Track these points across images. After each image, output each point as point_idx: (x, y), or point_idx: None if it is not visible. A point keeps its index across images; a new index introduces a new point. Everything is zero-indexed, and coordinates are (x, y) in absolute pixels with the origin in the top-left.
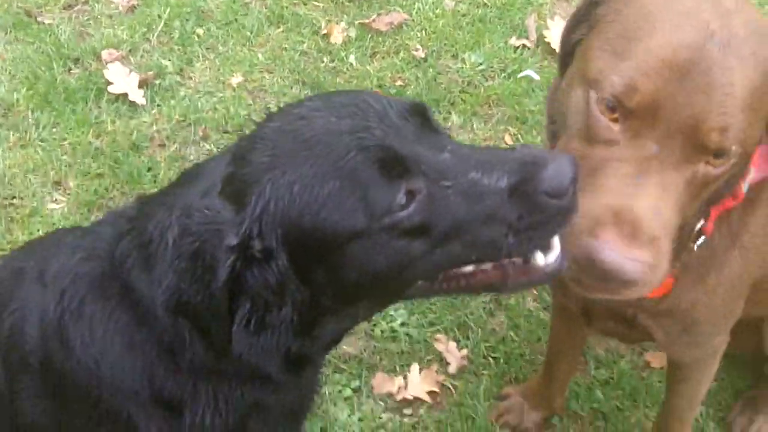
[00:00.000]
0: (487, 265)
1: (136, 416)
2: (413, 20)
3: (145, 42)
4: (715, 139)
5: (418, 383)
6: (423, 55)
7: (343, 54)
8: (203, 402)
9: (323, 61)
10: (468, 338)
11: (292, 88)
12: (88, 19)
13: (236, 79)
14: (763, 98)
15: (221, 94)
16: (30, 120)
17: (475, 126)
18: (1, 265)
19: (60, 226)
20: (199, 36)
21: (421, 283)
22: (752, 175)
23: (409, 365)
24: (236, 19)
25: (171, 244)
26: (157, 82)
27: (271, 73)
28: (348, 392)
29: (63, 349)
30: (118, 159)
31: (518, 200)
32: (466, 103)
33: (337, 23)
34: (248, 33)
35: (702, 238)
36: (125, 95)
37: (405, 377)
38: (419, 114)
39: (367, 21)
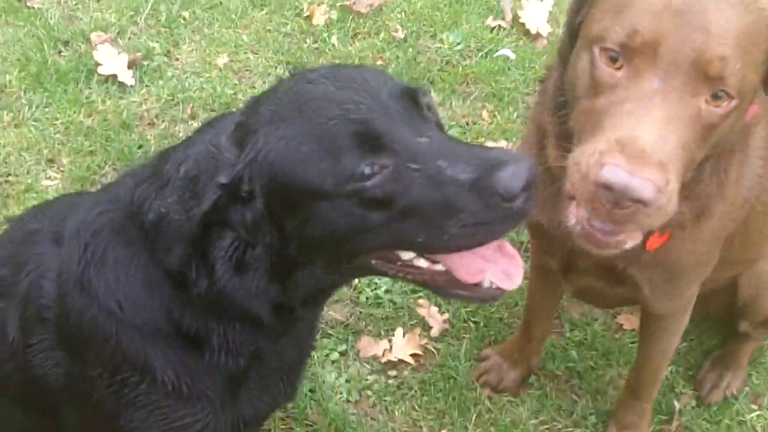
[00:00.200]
0: (440, 268)
1: (154, 359)
2: (393, 2)
3: (132, 25)
4: (717, 67)
5: (402, 346)
6: (403, 36)
7: (325, 35)
8: (218, 340)
9: (306, 42)
10: (449, 303)
11: (276, 68)
12: (76, 3)
13: (222, 60)
14: (754, 44)
15: (207, 75)
16: (23, 100)
17: (453, 103)
18: (13, 227)
19: None
20: (185, 19)
21: (376, 263)
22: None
23: (393, 329)
24: (221, 2)
25: (181, 173)
26: (146, 63)
27: (256, 54)
28: (335, 356)
29: (85, 299)
30: (109, 137)
31: (474, 196)
32: (445, 81)
33: (318, 5)
34: (233, 15)
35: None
36: (115, 76)
37: (390, 341)
38: (411, 98)
39: (348, 3)
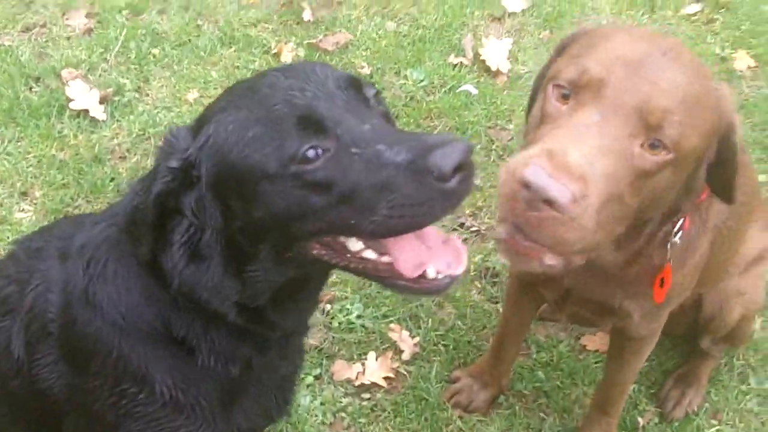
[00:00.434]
0: (387, 259)
1: (154, 369)
2: (358, 40)
3: (102, 62)
4: (658, 117)
5: (374, 369)
6: (368, 72)
7: None
8: (207, 344)
9: None
10: (420, 328)
11: None
12: (46, 41)
13: (192, 95)
14: (699, 109)
15: (178, 109)
16: None
17: None
18: (16, 248)
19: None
20: (154, 56)
21: (319, 252)
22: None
23: (366, 353)
24: (190, 40)
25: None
26: (117, 98)
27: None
28: (310, 379)
29: (89, 312)
30: (81, 170)
31: (408, 176)
32: (410, 116)
33: (286, 43)
34: (202, 53)
35: (680, 233)
36: (86, 111)
37: (362, 364)
38: (355, 87)
39: (314, 41)
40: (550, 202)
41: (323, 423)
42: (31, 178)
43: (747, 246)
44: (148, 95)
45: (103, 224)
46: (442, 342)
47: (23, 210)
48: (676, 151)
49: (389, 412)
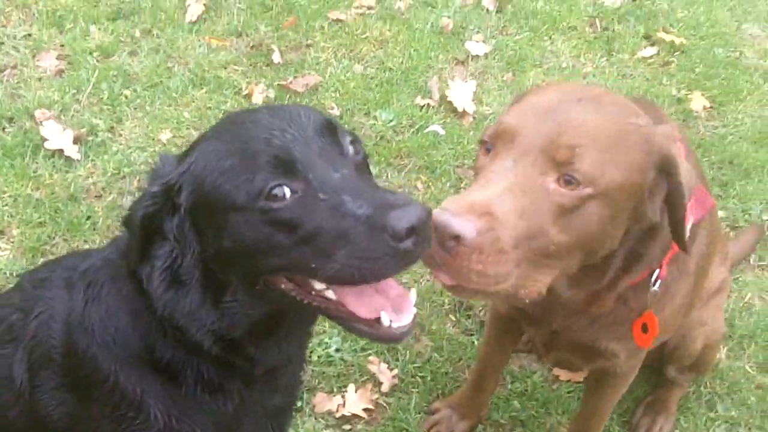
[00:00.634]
0: (344, 306)
1: (147, 394)
2: (327, 82)
3: (75, 102)
4: (564, 153)
5: (354, 401)
6: (338, 113)
7: None
8: (193, 373)
9: None
10: (398, 360)
11: None
12: (18, 82)
13: (165, 136)
14: (618, 145)
15: (152, 149)
16: None
17: (389, 175)
18: (21, 280)
19: (6, 272)
20: (126, 97)
21: (286, 287)
22: (692, 220)
23: (345, 386)
24: (161, 81)
25: None
26: (90, 138)
27: (198, 129)
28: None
29: (86, 335)
30: (58, 209)
31: (366, 230)
32: (380, 155)
33: (257, 84)
34: (173, 94)
35: (659, 282)
36: (61, 151)
37: (343, 396)
38: (333, 134)
39: (284, 83)
40: (457, 238)
41: None
42: (8, 216)
43: (708, 279)
44: (121, 135)
45: (108, 250)
46: (420, 374)
47: (0, 248)
48: (593, 186)
49: None
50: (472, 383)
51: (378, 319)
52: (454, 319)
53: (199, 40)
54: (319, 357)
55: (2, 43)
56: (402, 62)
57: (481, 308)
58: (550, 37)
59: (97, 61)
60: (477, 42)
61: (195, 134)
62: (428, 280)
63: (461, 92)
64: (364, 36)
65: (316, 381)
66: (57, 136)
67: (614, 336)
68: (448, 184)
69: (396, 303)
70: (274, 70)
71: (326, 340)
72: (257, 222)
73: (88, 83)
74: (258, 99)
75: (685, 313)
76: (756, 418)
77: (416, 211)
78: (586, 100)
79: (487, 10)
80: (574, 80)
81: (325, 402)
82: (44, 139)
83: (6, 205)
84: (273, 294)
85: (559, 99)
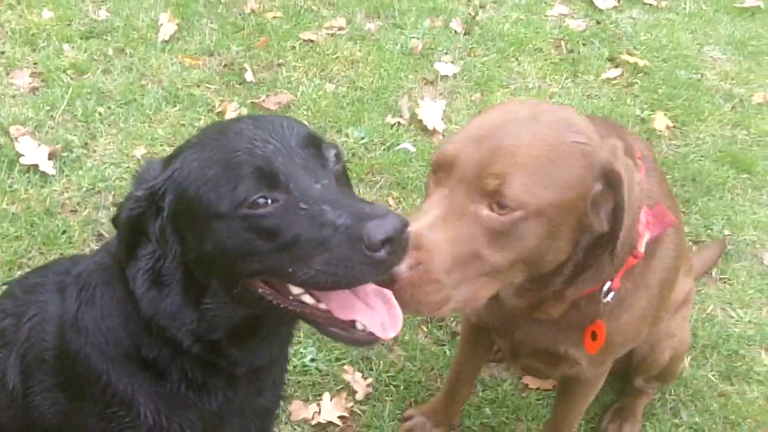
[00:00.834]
0: (322, 306)
1: (137, 392)
2: (299, 100)
3: (49, 119)
4: (492, 183)
5: (330, 409)
6: None
7: None
8: (178, 371)
9: None
10: (372, 369)
11: None
12: None
13: (139, 152)
14: (551, 164)
15: (126, 165)
16: None
17: (362, 191)
18: (11, 287)
19: None
20: (100, 114)
21: (263, 291)
22: (647, 235)
23: (321, 394)
24: (135, 99)
25: None
26: (65, 154)
27: (172, 146)
28: None
29: (79, 336)
30: (34, 223)
31: (343, 239)
32: (353, 171)
33: (230, 102)
34: (147, 111)
35: (612, 293)
36: (36, 166)
37: (318, 404)
38: (315, 146)
39: (257, 101)
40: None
41: None
42: None
43: (675, 291)
44: (95, 151)
45: (100, 254)
46: (394, 383)
47: None
48: (524, 209)
49: None
50: (446, 391)
51: (353, 323)
52: (426, 329)
53: (172, 59)
54: (294, 367)
55: None
56: (373, 82)
57: (452, 319)
58: (517, 59)
59: (71, 78)
60: (446, 63)
61: (169, 151)
62: None
63: (431, 111)
64: (335, 56)
65: (292, 389)
66: (32, 151)
67: (572, 341)
68: (419, 200)
69: (383, 314)
70: (247, 89)
71: (301, 350)
72: (239, 229)
73: (62, 100)
74: (231, 116)
75: (652, 323)
76: (719, 425)
77: (392, 222)
78: (523, 121)
79: (456, 32)
80: (535, 99)
81: (301, 410)
82: (19, 155)
83: None
84: (251, 297)
85: (497, 123)
